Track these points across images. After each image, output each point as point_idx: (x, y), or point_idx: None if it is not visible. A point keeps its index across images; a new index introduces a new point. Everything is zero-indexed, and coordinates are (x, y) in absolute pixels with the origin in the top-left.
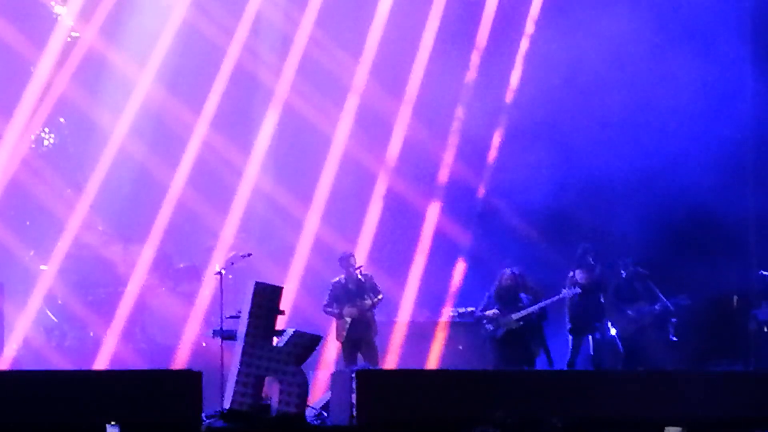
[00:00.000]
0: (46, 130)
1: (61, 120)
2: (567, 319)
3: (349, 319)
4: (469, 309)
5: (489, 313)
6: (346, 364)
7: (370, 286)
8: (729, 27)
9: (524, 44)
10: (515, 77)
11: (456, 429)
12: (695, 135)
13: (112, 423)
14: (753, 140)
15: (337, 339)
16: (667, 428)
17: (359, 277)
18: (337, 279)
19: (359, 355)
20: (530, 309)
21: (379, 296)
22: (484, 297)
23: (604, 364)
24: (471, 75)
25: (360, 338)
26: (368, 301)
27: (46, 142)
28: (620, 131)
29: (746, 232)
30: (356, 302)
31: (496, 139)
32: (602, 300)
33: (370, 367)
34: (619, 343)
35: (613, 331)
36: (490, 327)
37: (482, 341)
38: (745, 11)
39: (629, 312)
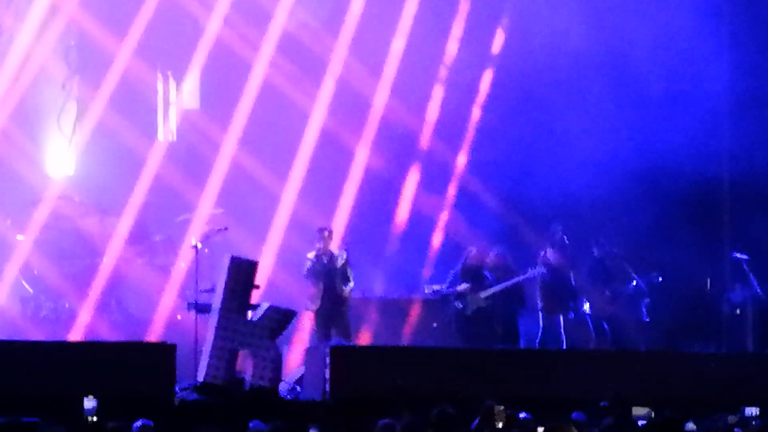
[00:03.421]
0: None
1: None
2: (538, 299)
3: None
4: (441, 286)
5: (460, 288)
6: (319, 338)
7: (342, 271)
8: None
9: (504, 21)
10: (496, 49)
11: (428, 405)
12: (669, 116)
13: (90, 396)
14: (729, 120)
15: (308, 309)
16: (634, 408)
17: (333, 254)
18: (314, 252)
19: (332, 330)
20: (497, 287)
21: (350, 285)
22: (449, 274)
23: (575, 344)
24: (451, 51)
25: (332, 312)
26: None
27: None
28: (599, 112)
29: (720, 214)
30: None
31: (475, 116)
32: (572, 280)
33: (344, 343)
34: (590, 323)
35: (587, 309)
36: (459, 305)
37: (449, 319)
38: None
39: (606, 292)
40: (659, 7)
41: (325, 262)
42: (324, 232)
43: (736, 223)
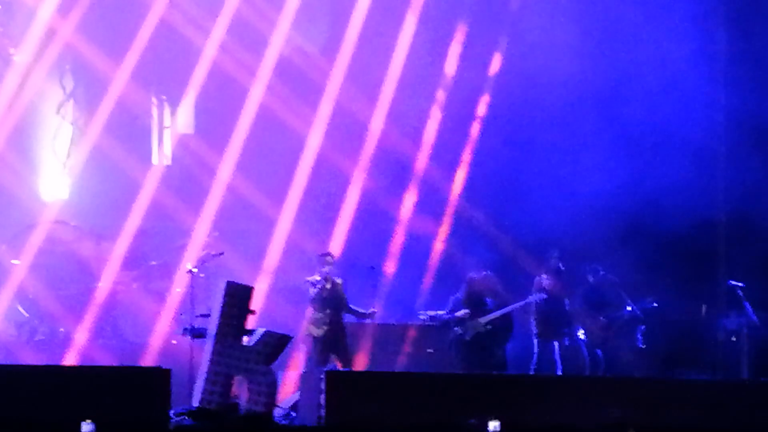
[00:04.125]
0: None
1: None
2: (533, 324)
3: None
4: (439, 312)
5: (460, 313)
6: (317, 364)
7: (343, 297)
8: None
9: (501, 49)
10: (492, 77)
11: None
12: (666, 139)
13: (88, 421)
14: (726, 145)
15: (310, 334)
16: None
17: (335, 280)
18: (316, 277)
19: (332, 356)
20: (497, 312)
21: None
22: (449, 301)
23: (570, 370)
24: (447, 77)
25: (336, 340)
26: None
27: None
28: (594, 146)
29: (716, 241)
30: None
31: (471, 141)
32: (567, 306)
33: (340, 368)
34: (585, 349)
35: (582, 335)
36: (458, 330)
37: (449, 345)
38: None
39: (601, 318)
40: (655, 42)
41: (329, 287)
42: (328, 257)
43: (732, 250)
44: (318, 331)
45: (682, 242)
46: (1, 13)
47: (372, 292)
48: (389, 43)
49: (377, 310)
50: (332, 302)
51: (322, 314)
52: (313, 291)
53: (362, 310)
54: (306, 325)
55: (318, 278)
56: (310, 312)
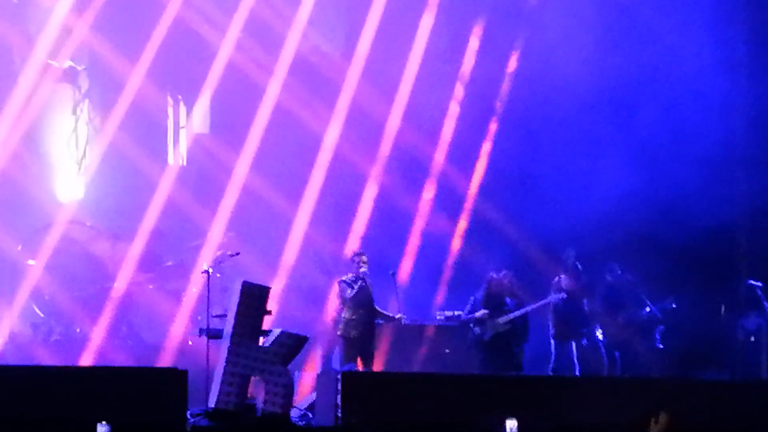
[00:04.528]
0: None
1: None
2: (551, 325)
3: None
4: (456, 312)
5: (478, 314)
6: (345, 362)
7: (372, 297)
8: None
9: (518, 48)
10: (509, 76)
11: None
12: (683, 140)
13: (103, 422)
14: (743, 148)
15: (344, 335)
16: None
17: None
18: (350, 276)
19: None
20: (516, 313)
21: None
22: (469, 301)
23: (588, 370)
24: (464, 76)
25: (368, 341)
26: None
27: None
28: (613, 138)
29: (735, 240)
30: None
31: (488, 141)
32: (586, 306)
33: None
34: (603, 350)
35: (600, 336)
36: (477, 330)
37: (468, 345)
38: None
39: (620, 318)
40: (674, 47)
41: (365, 288)
42: (363, 257)
43: (751, 249)
44: (354, 332)
45: (700, 243)
46: (16, 11)
47: (392, 295)
48: (406, 41)
49: (404, 316)
50: (366, 303)
51: (357, 315)
52: (349, 292)
53: (389, 314)
54: (339, 326)
55: (352, 278)
56: (342, 312)
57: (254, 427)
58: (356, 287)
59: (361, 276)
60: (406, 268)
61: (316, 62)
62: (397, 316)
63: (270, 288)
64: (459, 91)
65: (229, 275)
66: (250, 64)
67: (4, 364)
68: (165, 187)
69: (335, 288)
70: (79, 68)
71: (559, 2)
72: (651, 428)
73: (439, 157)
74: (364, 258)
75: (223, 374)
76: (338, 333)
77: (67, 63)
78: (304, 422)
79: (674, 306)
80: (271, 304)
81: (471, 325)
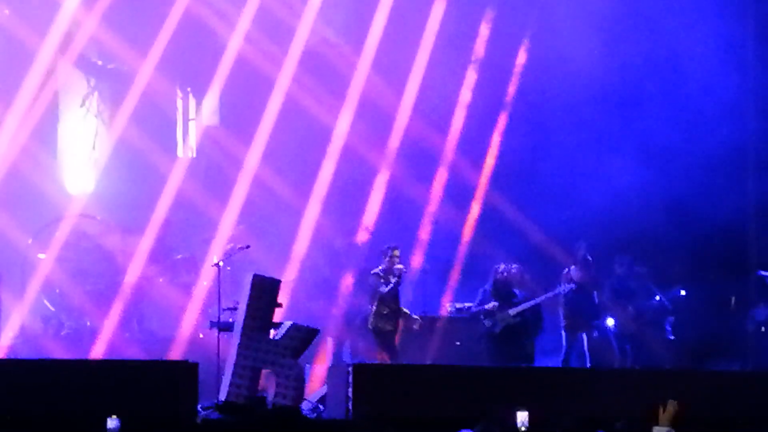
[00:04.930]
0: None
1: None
2: (561, 316)
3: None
4: (467, 304)
5: (489, 306)
6: (391, 357)
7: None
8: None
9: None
10: (518, 67)
11: (451, 425)
12: (692, 134)
13: (113, 416)
14: (754, 137)
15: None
16: (655, 428)
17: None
18: (381, 267)
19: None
20: (526, 304)
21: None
22: (479, 293)
23: (599, 362)
24: (473, 67)
25: (394, 333)
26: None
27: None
28: (625, 132)
29: (745, 231)
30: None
31: (497, 137)
32: (596, 299)
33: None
34: (614, 341)
35: (611, 327)
36: (487, 323)
37: (479, 337)
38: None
39: (630, 309)
40: (686, 44)
41: (398, 283)
42: (396, 251)
43: (761, 240)
44: (388, 326)
45: (711, 235)
46: (25, 4)
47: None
48: (416, 32)
49: (420, 321)
50: (397, 298)
51: (389, 309)
52: (385, 287)
53: (409, 312)
54: (372, 319)
55: (384, 271)
56: (376, 307)
57: (265, 420)
58: (393, 282)
59: (396, 273)
60: (416, 260)
61: (326, 54)
62: (415, 318)
63: (280, 281)
64: (469, 82)
65: (240, 268)
66: (259, 56)
67: (15, 358)
68: (175, 180)
69: (348, 279)
70: (89, 62)
71: None
72: (660, 418)
73: (449, 148)
74: (397, 252)
75: (234, 367)
76: (369, 326)
77: (77, 56)
78: (315, 415)
79: (684, 293)
80: (282, 297)
81: (481, 317)
